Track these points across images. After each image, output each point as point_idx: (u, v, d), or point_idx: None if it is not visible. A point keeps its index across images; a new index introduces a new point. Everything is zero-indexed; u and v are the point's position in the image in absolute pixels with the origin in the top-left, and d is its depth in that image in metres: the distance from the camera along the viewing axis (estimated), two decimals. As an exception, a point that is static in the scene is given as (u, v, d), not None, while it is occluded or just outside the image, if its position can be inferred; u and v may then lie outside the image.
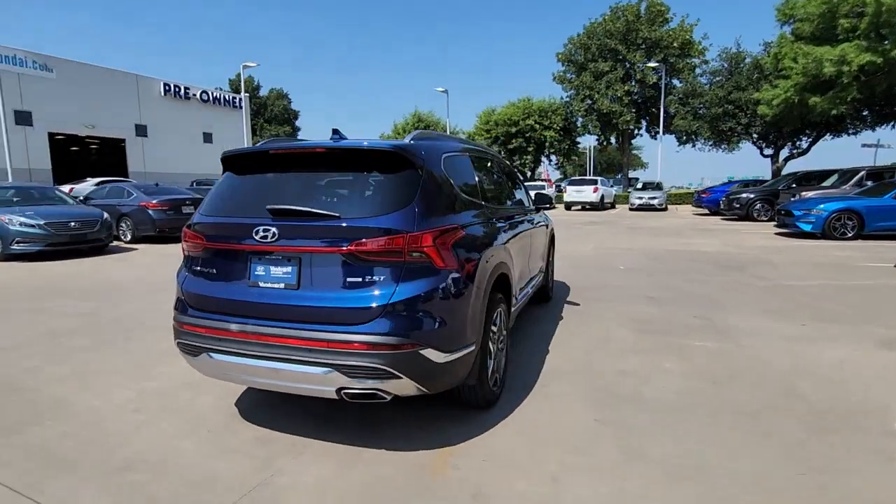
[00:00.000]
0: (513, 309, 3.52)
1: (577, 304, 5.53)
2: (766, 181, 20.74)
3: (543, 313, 5.11)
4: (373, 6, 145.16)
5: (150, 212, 11.22)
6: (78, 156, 34.40)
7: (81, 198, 12.29)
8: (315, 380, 2.28)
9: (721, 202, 17.71)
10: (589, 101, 32.90)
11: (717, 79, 30.32)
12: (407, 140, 2.70)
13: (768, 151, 30.67)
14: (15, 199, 9.94)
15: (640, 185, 25.27)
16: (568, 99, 35.36)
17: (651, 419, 2.85)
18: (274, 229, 2.36)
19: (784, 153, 30.30)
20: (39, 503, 2.15)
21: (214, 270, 2.56)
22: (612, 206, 26.80)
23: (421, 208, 2.37)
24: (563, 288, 6.41)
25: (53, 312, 5.38)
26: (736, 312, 5.10)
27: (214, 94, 36.46)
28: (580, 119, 34.36)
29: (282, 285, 2.38)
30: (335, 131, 2.81)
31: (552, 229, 5.52)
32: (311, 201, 2.44)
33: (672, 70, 32.47)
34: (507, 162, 4.54)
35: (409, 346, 2.24)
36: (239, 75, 47.71)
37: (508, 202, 3.95)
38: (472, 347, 2.54)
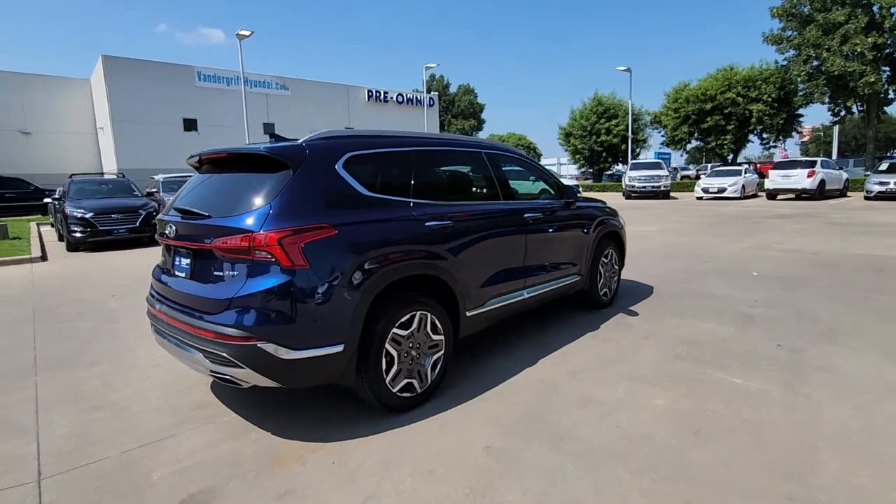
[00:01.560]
0: (469, 313, 3.27)
1: (635, 314, 4.71)
2: None
3: (571, 321, 4.51)
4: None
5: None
6: None
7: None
8: (195, 360, 2.58)
9: None
10: (815, 62, 25.99)
11: None
12: (310, 138, 2.78)
13: None
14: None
15: (884, 167, 19.03)
16: (785, 63, 28.55)
17: (551, 461, 2.38)
18: (174, 226, 2.73)
19: None
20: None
21: (161, 260, 3.08)
22: (842, 193, 21.00)
23: (276, 208, 2.44)
24: (641, 292, 5.51)
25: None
26: (853, 348, 3.70)
27: (408, 96, 40.40)
28: (802, 86, 27.28)
29: (184, 275, 2.75)
30: (272, 135, 3.03)
31: (606, 228, 4.77)
32: (207, 201, 2.74)
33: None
34: (508, 153, 3.99)
35: (247, 339, 2.36)
36: (433, 76, 51.95)
37: (482, 198, 3.63)
38: (336, 348, 2.51)
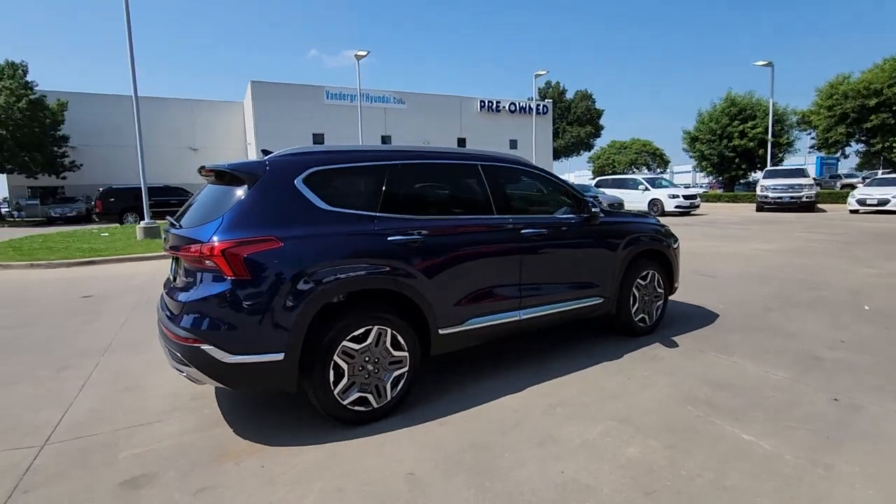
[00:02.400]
0: (444, 331, 3.17)
1: (674, 346, 4.14)
2: None
3: (590, 346, 4.09)
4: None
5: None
6: None
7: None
8: (172, 358, 2.87)
9: None
10: None
11: None
12: (276, 154, 2.95)
13: None
14: None
15: None
16: None
17: (462, 498, 2.20)
18: (166, 235, 3.07)
19: None
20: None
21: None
22: None
23: (226, 221, 2.63)
24: (699, 320, 4.82)
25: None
26: (944, 411, 2.84)
27: (521, 104, 40.21)
28: None
29: (174, 282, 3.07)
30: (264, 151, 3.28)
31: (642, 246, 4.26)
32: (188, 213, 3.04)
33: None
34: (512, 165, 3.79)
35: (193, 342, 2.56)
36: (548, 83, 50.96)
37: (470, 212, 3.46)
38: (276, 356, 2.61)
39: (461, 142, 38.80)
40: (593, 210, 3.93)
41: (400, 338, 2.99)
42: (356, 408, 2.88)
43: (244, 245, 2.59)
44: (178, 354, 2.63)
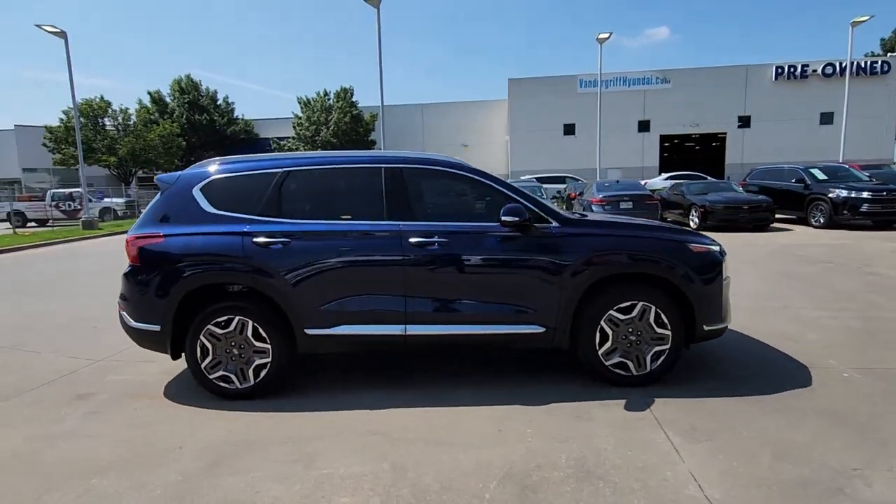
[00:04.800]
0: (310, 332, 3.28)
1: (639, 410, 3.01)
2: None
3: (529, 386, 3.31)
4: None
5: (594, 207, 12.80)
6: (679, 153, 38.57)
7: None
8: None
9: None
10: None
11: None
12: (192, 167, 3.62)
13: None
14: None
15: None
16: None
17: (165, 479, 2.44)
18: None
19: None
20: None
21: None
22: None
23: (140, 219, 3.44)
24: (771, 379, 3.25)
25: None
26: None
27: (842, 64, 30.38)
28: None
29: None
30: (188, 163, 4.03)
31: (617, 268, 3.21)
32: None
33: None
34: (433, 166, 3.43)
35: (119, 308, 3.50)
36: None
37: (359, 217, 3.31)
38: (155, 327, 3.30)
39: (744, 120, 32.11)
40: (541, 222, 3.23)
41: (262, 330, 3.28)
42: (221, 384, 3.34)
43: (139, 238, 3.37)
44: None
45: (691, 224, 13.13)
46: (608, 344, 3.30)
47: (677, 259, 3.27)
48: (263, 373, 3.33)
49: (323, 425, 2.96)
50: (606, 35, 22.57)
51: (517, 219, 3.15)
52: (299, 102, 36.48)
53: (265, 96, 76.41)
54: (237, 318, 3.28)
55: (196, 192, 3.44)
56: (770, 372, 3.55)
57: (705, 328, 3.32)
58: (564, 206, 19.16)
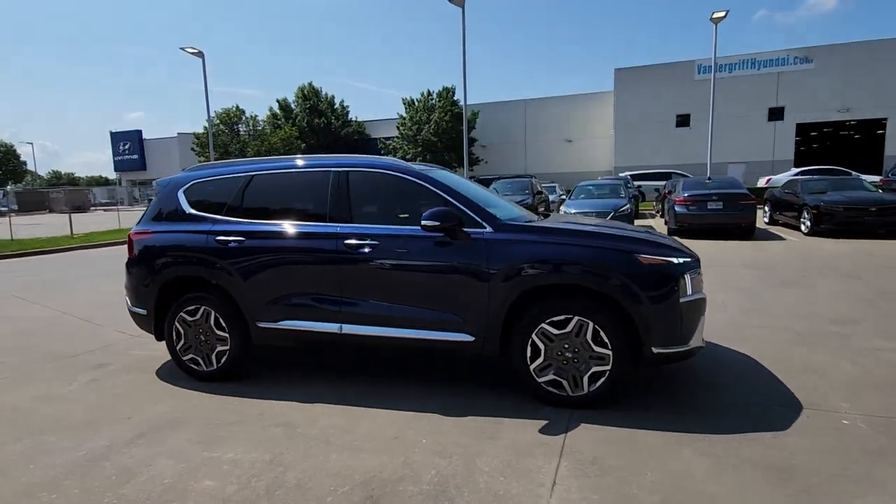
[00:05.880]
0: (261, 325, 3.52)
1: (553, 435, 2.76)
2: None
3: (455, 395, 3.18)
4: None
5: (677, 207, 11.60)
6: (822, 144, 32.90)
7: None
8: None
9: None
10: None
11: None
12: (184, 171, 4.06)
13: None
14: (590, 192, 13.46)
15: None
16: None
17: None
18: None
19: None
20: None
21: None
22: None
23: (142, 217, 3.97)
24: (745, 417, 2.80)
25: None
26: None
27: None
28: None
29: None
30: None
31: (545, 279, 2.97)
32: None
33: None
34: (375, 169, 3.49)
35: (126, 294, 4.09)
36: None
37: (304, 220, 3.45)
38: (143, 311, 3.81)
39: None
40: (473, 227, 3.14)
41: (222, 320, 3.62)
42: (192, 366, 3.74)
43: (136, 234, 3.89)
44: (127, 301, 4.24)
45: (802, 228, 11.31)
46: (540, 359, 3.06)
47: (618, 271, 2.92)
48: (224, 359, 3.66)
49: (248, 412, 3.19)
50: (722, 14, 20.12)
51: (437, 223, 3.06)
52: (404, 103, 38.10)
53: (383, 96, 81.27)
54: (202, 308, 3.65)
55: (180, 194, 3.88)
56: (747, 408, 3.01)
57: (654, 351, 2.93)
58: (660, 205, 17.61)
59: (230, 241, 3.57)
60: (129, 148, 50.35)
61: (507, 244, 3.10)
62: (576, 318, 2.97)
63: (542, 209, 13.96)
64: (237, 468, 2.53)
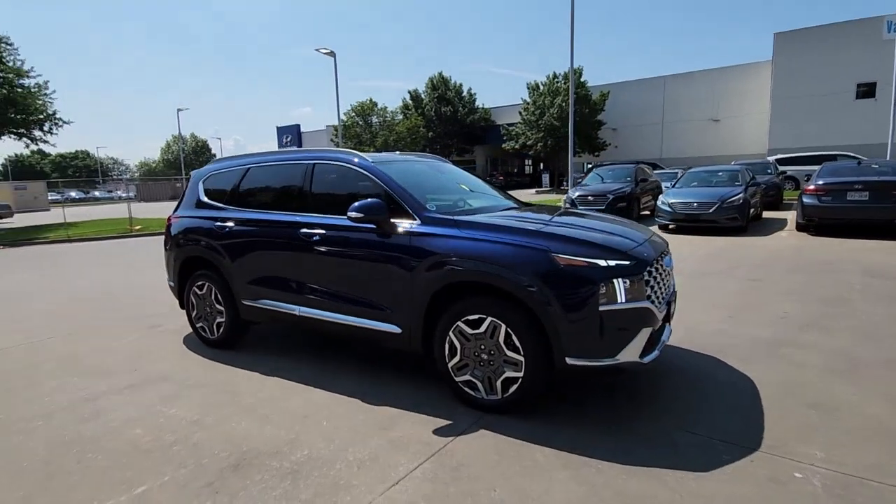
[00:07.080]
0: (245, 303, 3.97)
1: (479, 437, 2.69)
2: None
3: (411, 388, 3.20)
4: None
5: (805, 198, 9.68)
6: None
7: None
8: None
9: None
10: None
11: None
12: (211, 162, 4.67)
13: None
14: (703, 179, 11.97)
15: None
16: None
17: None
18: None
19: None
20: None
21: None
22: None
23: (178, 204, 4.69)
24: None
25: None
26: None
27: None
28: None
29: None
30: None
31: (455, 276, 2.82)
32: None
33: None
34: (338, 162, 3.62)
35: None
36: None
37: (285, 209, 3.75)
38: (172, 283, 4.54)
39: None
40: (404, 219, 3.17)
41: (220, 296, 4.16)
42: (201, 333, 4.38)
43: (170, 219, 4.63)
44: (172, 275, 5.04)
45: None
46: (457, 358, 2.97)
47: (529, 271, 2.68)
48: (221, 330, 4.21)
49: (217, 377, 3.66)
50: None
51: (361, 214, 3.12)
52: (528, 88, 37.28)
53: (517, 80, 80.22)
54: (206, 284, 4.23)
55: (199, 185, 4.51)
56: (681, 439, 2.56)
57: (568, 361, 2.65)
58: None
59: (224, 227, 4.07)
60: (291, 140, 57.61)
61: (429, 238, 3.05)
62: (489, 318, 2.82)
63: (612, 198, 12.76)
64: (168, 423, 2.97)
